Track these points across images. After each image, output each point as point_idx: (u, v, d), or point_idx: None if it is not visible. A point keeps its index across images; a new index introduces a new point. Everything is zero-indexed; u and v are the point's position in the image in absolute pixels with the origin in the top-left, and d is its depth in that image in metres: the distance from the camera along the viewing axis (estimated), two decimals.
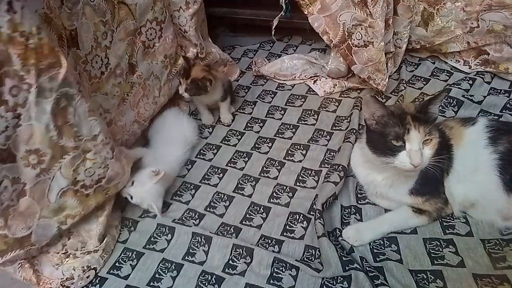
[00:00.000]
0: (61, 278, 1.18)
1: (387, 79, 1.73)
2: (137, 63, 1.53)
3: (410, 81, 1.84)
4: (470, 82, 1.76)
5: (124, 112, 1.50)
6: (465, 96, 1.68)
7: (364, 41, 1.65)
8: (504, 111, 1.60)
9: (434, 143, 1.09)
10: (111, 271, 1.22)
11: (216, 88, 1.67)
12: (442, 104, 1.63)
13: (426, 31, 1.83)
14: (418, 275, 1.11)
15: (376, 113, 1.13)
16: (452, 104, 1.65)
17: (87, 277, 1.19)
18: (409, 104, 1.19)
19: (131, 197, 1.33)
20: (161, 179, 1.34)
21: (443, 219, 1.25)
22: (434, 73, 1.87)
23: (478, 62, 1.81)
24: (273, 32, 1.86)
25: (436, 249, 1.18)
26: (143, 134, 1.63)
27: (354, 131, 1.54)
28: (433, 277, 1.10)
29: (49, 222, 1.13)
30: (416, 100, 1.72)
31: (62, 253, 1.21)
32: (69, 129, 1.10)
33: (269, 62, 2.07)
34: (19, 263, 1.17)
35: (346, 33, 1.65)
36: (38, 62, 0.99)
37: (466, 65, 1.85)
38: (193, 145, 1.64)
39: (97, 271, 1.21)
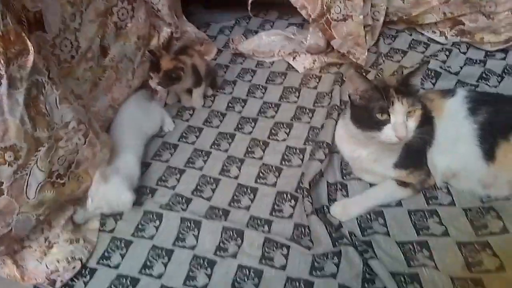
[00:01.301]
0: (46, 272, 1.15)
1: (366, 53, 1.73)
2: (109, 45, 1.46)
3: (388, 54, 1.84)
4: (447, 53, 1.78)
5: (98, 98, 1.45)
6: (443, 67, 1.70)
7: (343, 14, 1.63)
8: (480, 80, 1.63)
9: (417, 115, 1.10)
10: (101, 261, 1.20)
11: (186, 76, 1.59)
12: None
13: (403, 2, 1.83)
14: (405, 246, 1.15)
15: (360, 88, 1.13)
16: (430, 76, 1.66)
17: (73, 268, 1.16)
18: (390, 78, 1.20)
19: (91, 200, 1.24)
20: (119, 173, 1.27)
21: (426, 191, 1.28)
22: (412, 45, 1.88)
23: (454, 33, 1.83)
24: (249, 8, 1.82)
25: (421, 220, 1.21)
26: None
27: (336, 107, 1.54)
28: (419, 248, 1.14)
29: (28, 216, 1.10)
30: (395, 73, 1.73)
31: (45, 246, 1.18)
32: (42, 119, 1.05)
33: (247, 39, 2.03)
34: (1, 260, 1.14)
35: (325, 7, 1.62)
36: (6, 50, 0.94)
37: (442, 36, 1.86)
38: (159, 133, 1.60)
39: (83, 261, 1.19)
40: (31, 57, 0.99)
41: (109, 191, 1.23)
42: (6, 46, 0.94)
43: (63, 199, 1.19)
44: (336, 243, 1.14)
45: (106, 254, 1.21)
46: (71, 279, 1.15)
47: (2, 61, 0.93)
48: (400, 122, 1.07)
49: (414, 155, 1.22)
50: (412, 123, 1.09)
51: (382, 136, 1.09)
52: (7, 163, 1.00)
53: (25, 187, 1.05)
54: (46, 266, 1.16)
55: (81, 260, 1.18)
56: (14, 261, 1.14)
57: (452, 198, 1.25)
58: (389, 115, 1.07)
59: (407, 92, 1.09)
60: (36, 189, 1.08)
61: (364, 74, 1.72)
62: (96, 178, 1.24)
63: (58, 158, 1.12)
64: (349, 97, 1.19)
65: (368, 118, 1.11)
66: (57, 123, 1.10)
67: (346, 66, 1.81)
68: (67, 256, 1.17)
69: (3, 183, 1.01)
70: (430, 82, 1.66)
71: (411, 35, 1.93)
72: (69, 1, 1.24)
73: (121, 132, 1.43)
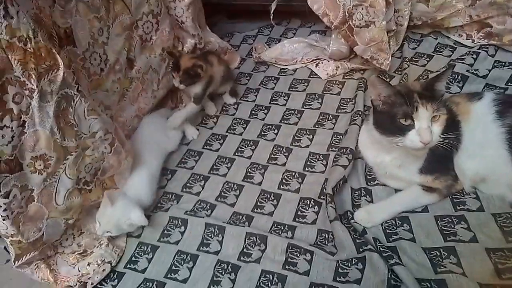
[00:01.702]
0: (78, 275, 1.19)
1: (390, 58, 1.72)
2: (135, 58, 1.52)
3: (413, 58, 1.82)
4: (474, 56, 1.73)
5: (125, 108, 1.51)
6: (470, 71, 1.66)
7: (365, 21, 1.63)
8: (509, 84, 1.58)
9: (442, 120, 1.09)
10: (128, 266, 1.24)
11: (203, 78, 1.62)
12: (447, 80, 1.62)
13: (427, 6, 1.80)
14: (432, 252, 1.12)
15: (383, 93, 1.13)
16: (457, 80, 1.63)
17: (103, 270, 1.20)
18: (414, 83, 1.19)
19: (99, 224, 1.24)
20: (126, 194, 1.29)
21: (453, 196, 1.25)
22: (437, 49, 1.84)
23: (481, 36, 1.78)
24: (271, 17, 1.84)
25: (448, 226, 1.18)
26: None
27: (360, 113, 1.54)
28: (446, 254, 1.11)
29: (57, 220, 1.16)
30: (420, 77, 1.70)
31: (78, 253, 1.23)
32: (70, 130, 1.10)
33: (269, 47, 2.05)
34: (35, 264, 1.19)
35: (347, 14, 1.63)
36: (37, 66, 0.99)
37: (469, 39, 1.82)
38: (174, 152, 1.60)
39: (112, 265, 1.23)
40: (61, 72, 1.04)
41: (116, 213, 1.23)
42: (38, 62, 0.99)
43: (88, 204, 1.24)
44: (360, 249, 1.13)
45: (133, 258, 1.25)
46: (100, 283, 1.19)
47: (34, 76, 0.99)
48: (425, 127, 1.05)
49: (440, 160, 1.20)
50: (437, 128, 1.08)
51: (406, 141, 1.08)
52: (38, 171, 1.06)
53: (54, 193, 1.11)
54: (78, 269, 1.21)
55: (110, 263, 1.22)
56: (47, 265, 1.20)
57: (481, 203, 1.22)
58: (413, 121, 1.06)
59: (431, 97, 1.08)
60: (65, 195, 1.13)
61: (387, 79, 1.71)
62: (103, 201, 1.26)
63: (85, 166, 1.18)
64: (372, 102, 1.19)
65: (391, 123, 1.10)
66: (84, 133, 1.15)
67: (369, 71, 1.80)
68: (97, 259, 1.21)
69: (33, 190, 1.06)
70: (457, 86, 1.62)
71: (436, 39, 1.90)
72: (96, 16, 1.30)
73: (137, 149, 1.43)
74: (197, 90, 1.62)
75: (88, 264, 1.20)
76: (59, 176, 1.11)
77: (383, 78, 1.17)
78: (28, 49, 0.97)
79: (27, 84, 0.98)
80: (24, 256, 1.13)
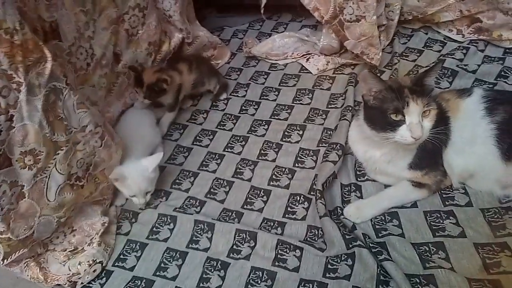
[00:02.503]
0: (68, 274, 1.17)
1: (380, 53, 1.71)
2: (122, 52, 1.50)
3: (404, 53, 1.82)
4: (464, 51, 1.75)
5: (112, 103, 1.49)
6: (460, 66, 1.67)
7: (356, 15, 1.62)
8: (498, 79, 1.59)
9: (432, 115, 1.09)
10: (116, 264, 1.22)
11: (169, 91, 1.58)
12: (437, 75, 1.62)
13: (418, 1, 1.80)
14: (421, 248, 1.13)
15: (374, 89, 1.12)
16: (447, 75, 1.64)
17: (94, 271, 1.19)
18: (404, 78, 1.18)
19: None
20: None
21: (442, 191, 1.26)
22: (428, 44, 1.85)
23: (471, 31, 1.79)
24: (262, 11, 1.82)
25: (437, 221, 1.19)
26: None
27: (350, 108, 1.53)
28: (435, 249, 1.12)
29: (49, 218, 1.13)
30: (411, 72, 1.71)
31: (69, 251, 1.21)
32: (60, 124, 1.08)
33: (260, 42, 2.04)
34: (25, 263, 1.17)
35: (337, 9, 1.62)
36: (24, 59, 0.97)
37: (459, 34, 1.83)
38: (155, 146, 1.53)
39: (104, 265, 1.21)
40: (48, 65, 1.02)
41: (138, 173, 1.28)
42: (25, 55, 0.97)
43: (81, 201, 1.22)
44: (350, 245, 1.13)
45: (122, 256, 1.24)
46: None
47: (21, 70, 0.97)
48: (416, 122, 1.05)
49: (429, 155, 1.20)
50: (428, 123, 1.08)
51: (397, 137, 1.08)
52: (27, 166, 1.03)
53: (45, 189, 1.09)
54: (69, 268, 1.18)
55: (101, 263, 1.20)
56: (37, 263, 1.17)
57: (469, 198, 1.22)
58: (404, 116, 1.06)
59: (421, 92, 1.08)
60: (56, 191, 1.11)
61: (377, 74, 1.71)
62: (118, 183, 1.29)
63: (77, 161, 1.16)
64: (363, 97, 1.18)
65: (382, 119, 1.10)
66: (75, 127, 1.13)
67: (360, 66, 1.80)
68: (89, 259, 1.19)
69: (24, 186, 1.04)
70: (447, 81, 1.63)
71: (427, 33, 1.90)
72: (82, 10, 1.27)
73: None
74: (168, 100, 1.61)
75: (79, 264, 1.18)
76: (49, 172, 1.08)
77: (375, 72, 1.16)
78: (15, 42, 0.94)
79: (14, 78, 0.96)
80: (14, 254, 1.10)
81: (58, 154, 1.09)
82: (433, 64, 1.61)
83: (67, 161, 1.12)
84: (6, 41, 0.93)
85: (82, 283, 1.17)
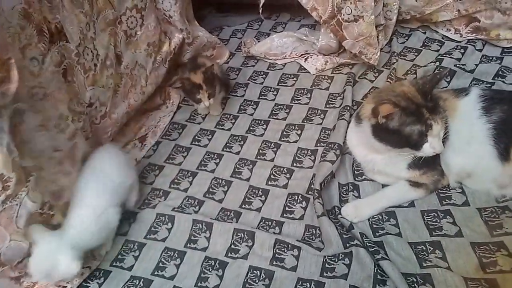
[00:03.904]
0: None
1: (378, 53, 1.71)
2: (122, 53, 1.49)
3: (402, 53, 1.82)
4: (462, 50, 1.74)
5: (118, 104, 1.48)
6: (457, 65, 1.67)
7: (354, 15, 1.62)
8: (496, 78, 1.59)
9: (445, 125, 1.12)
10: (114, 264, 1.22)
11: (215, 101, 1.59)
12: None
13: (416, 0, 1.80)
14: (418, 247, 1.13)
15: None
16: (445, 75, 1.63)
17: (82, 274, 1.17)
18: (409, 88, 1.15)
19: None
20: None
21: (439, 191, 1.26)
22: (426, 43, 1.85)
23: (469, 30, 1.79)
24: (260, 11, 1.83)
25: (434, 220, 1.19)
26: None
27: (348, 108, 1.54)
28: (432, 248, 1.12)
29: (20, 244, 1.05)
30: (409, 72, 1.71)
31: None
32: (25, 147, 1.03)
33: (259, 41, 2.04)
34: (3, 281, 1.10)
35: (336, 8, 1.62)
36: None
37: (457, 34, 1.83)
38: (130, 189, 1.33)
39: (92, 268, 1.20)
40: (13, 85, 0.96)
41: (41, 256, 1.04)
42: None
43: (50, 228, 1.11)
44: (347, 244, 1.14)
45: (119, 256, 1.24)
46: (86, 281, 1.18)
47: None
48: (438, 139, 1.09)
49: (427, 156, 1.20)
50: (442, 133, 1.11)
51: (419, 153, 1.12)
52: None
53: (15, 216, 1.01)
54: None
55: (89, 267, 1.19)
56: (17, 280, 1.11)
57: (467, 198, 1.23)
58: (427, 135, 1.09)
59: (436, 107, 1.11)
60: (26, 219, 1.03)
61: (375, 74, 1.72)
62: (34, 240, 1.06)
63: (44, 187, 1.09)
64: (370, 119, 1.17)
65: (401, 140, 1.12)
66: (36, 150, 1.08)
67: (358, 66, 1.80)
68: None
69: None
70: (445, 80, 1.63)
71: (425, 33, 1.90)
72: (81, 11, 1.27)
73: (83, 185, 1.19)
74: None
75: None
76: (21, 200, 1.00)
77: (394, 102, 1.11)
78: None
79: None
80: None
81: (29, 181, 1.02)
82: (432, 63, 1.63)
83: (39, 188, 1.05)
84: None
85: (71, 287, 1.16)
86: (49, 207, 1.10)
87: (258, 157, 1.51)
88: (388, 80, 1.64)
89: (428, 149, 1.10)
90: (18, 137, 1.02)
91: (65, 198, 1.17)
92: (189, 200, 1.38)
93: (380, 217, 1.23)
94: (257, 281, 1.12)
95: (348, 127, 1.43)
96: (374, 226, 1.21)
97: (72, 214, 1.13)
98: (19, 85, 0.98)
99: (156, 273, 1.19)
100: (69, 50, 1.22)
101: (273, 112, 1.69)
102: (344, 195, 1.31)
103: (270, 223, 1.28)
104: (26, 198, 1.01)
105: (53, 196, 1.13)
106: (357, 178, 1.36)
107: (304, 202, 1.32)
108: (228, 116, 1.70)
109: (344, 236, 1.15)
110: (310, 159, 1.46)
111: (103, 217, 1.16)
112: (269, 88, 1.81)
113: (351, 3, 1.61)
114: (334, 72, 1.83)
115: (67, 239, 1.07)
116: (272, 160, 1.49)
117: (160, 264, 1.20)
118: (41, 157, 1.10)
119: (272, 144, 1.54)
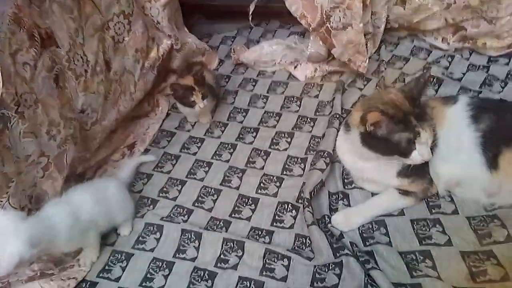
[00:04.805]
0: None
1: (367, 61, 1.72)
2: (110, 59, 1.48)
3: (390, 61, 1.84)
4: (449, 59, 1.77)
5: (108, 111, 1.47)
6: (445, 74, 1.69)
7: (342, 23, 1.63)
8: (483, 87, 1.61)
9: (433, 132, 1.11)
10: (101, 275, 1.19)
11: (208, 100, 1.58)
12: None
13: (404, 9, 1.82)
14: (408, 256, 1.13)
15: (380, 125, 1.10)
16: (433, 83, 1.65)
17: (68, 285, 1.14)
18: (397, 96, 1.15)
19: None
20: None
21: (429, 199, 1.26)
22: (414, 52, 1.86)
23: (456, 39, 1.81)
24: (250, 18, 1.83)
25: (424, 229, 1.19)
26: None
27: (338, 116, 1.54)
28: (422, 257, 1.12)
29: None
30: (397, 80, 1.72)
31: (36, 276, 1.14)
32: (7, 153, 1.04)
33: (248, 49, 2.04)
34: None
35: (324, 16, 1.62)
36: None
37: (444, 42, 1.85)
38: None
39: (78, 280, 1.17)
40: None
41: None
42: None
43: None
44: (338, 253, 1.13)
45: (106, 267, 1.21)
46: None
47: None
48: (426, 147, 1.09)
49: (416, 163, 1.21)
50: (430, 140, 1.11)
51: (407, 161, 1.12)
52: None
53: None
54: (40, 285, 1.13)
55: (75, 278, 1.16)
56: None
57: (456, 206, 1.23)
58: (415, 143, 1.08)
59: (424, 114, 1.11)
60: None
61: (364, 82, 1.72)
62: None
63: (20, 192, 1.08)
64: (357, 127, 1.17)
65: (389, 147, 1.11)
66: (19, 156, 1.08)
67: (347, 74, 1.81)
68: (61, 275, 1.15)
69: None
70: (433, 89, 1.64)
71: (413, 41, 1.92)
72: (70, 17, 1.26)
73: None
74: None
75: (51, 280, 1.13)
76: (2, 205, 1.01)
77: (379, 111, 1.10)
78: None
79: None
80: None
81: (10, 187, 1.03)
82: (420, 71, 1.64)
83: (17, 194, 1.06)
84: None
85: None
86: (27, 211, 1.09)
87: (248, 165, 1.50)
88: (377, 88, 1.65)
89: (416, 156, 1.10)
90: (1, 143, 1.01)
91: (46, 200, 1.16)
92: (178, 209, 1.36)
93: (370, 226, 1.22)
94: None
95: (337, 135, 1.43)
96: (364, 235, 1.20)
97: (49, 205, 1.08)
98: (5, 91, 0.98)
99: (144, 284, 1.16)
100: (59, 55, 1.21)
101: (263, 119, 1.68)
102: (334, 204, 1.31)
103: (260, 233, 1.27)
104: (6, 205, 1.01)
105: (34, 199, 1.13)
106: (347, 186, 1.35)
107: (294, 211, 1.31)
108: (218, 124, 1.69)
109: (334, 245, 1.15)
110: (300, 167, 1.45)
111: (80, 218, 1.10)
112: (259, 96, 1.81)
113: (339, 11, 1.61)
114: (324, 80, 1.83)
115: (31, 224, 0.95)
116: (262, 168, 1.48)
117: (148, 275, 1.18)
118: (23, 162, 1.09)
119: (262, 152, 1.54)
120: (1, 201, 1.01)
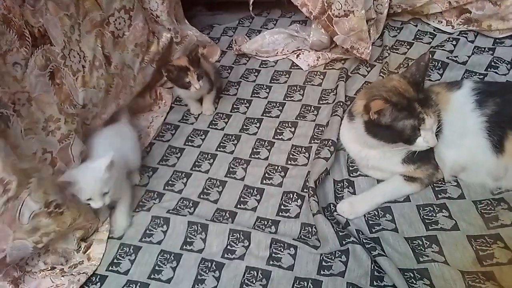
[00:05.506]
0: (52, 286, 1.15)
1: (370, 47, 1.71)
2: (110, 54, 1.47)
3: (394, 46, 1.81)
4: (454, 42, 1.74)
5: (108, 105, 1.47)
6: (450, 57, 1.66)
7: (344, 10, 1.61)
8: (488, 69, 1.59)
9: (438, 118, 1.11)
10: (110, 268, 1.21)
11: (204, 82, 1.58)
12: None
13: None
14: (414, 242, 1.13)
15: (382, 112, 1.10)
16: (437, 67, 1.63)
17: (78, 280, 1.16)
18: (400, 82, 1.14)
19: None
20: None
21: (434, 185, 1.26)
22: (417, 36, 1.84)
23: (460, 22, 1.79)
24: (251, 8, 1.81)
25: (430, 214, 1.19)
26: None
27: (341, 104, 1.53)
28: (428, 243, 1.12)
29: (24, 242, 1.08)
30: (401, 65, 1.70)
31: (47, 270, 1.18)
32: (16, 152, 1.04)
33: (250, 39, 2.03)
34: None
35: (326, 4, 1.61)
36: None
37: (449, 25, 1.82)
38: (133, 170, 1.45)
39: (88, 274, 1.19)
40: None
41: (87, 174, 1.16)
42: None
43: (65, 227, 1.16)
44: (344, 241, 1.13)
45: (115, 260, 1.23)
46: (82, 286, 1.16)
47: None
48: (431, 133, 1.09)
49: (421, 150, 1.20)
50: (435, 126, 1.10)
51: (413, 148, 1.12)
52: None
53: (17, 215, 1.04)
54: (51, 280, 1.16)
55: (86, 273, 1.18)
56: (15, 285, 1.13)
57: (462, 191, 1.23)
58: (420, 129, 1.08)
59: (428, 99, 1.10)
60: (30, 216, 1.06)
61: (367, 68, 1.71)
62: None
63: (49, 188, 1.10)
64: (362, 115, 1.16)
65: (394, 135, 1.11)
66: (27, 154, 1.09)
67: (350, 61, 1.79)
68: (72, 271, 1.17)
69: None
70: (437, 73, 1.62)
71: (416, 26, 1.89)
72: (66, 14, 1.25)
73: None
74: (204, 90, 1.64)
75: (63, 276, 1.16)
76: (22, 200, 1.03)
77: (385, 98, 1.09)
78: None
79: None
80: None
81: (31, 182, 1.04)
82: (421, 59, 1.62)
83: (42, 189, 1.07)
84: None
85: None
86: (56, 206, 1.11)
87: (252, 156, 1.50)
88: (381, 74, 1.63)
89: (421, 143, 1.10)
90: (8, 143, 1.02)
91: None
92: (184, 201, 1.37)
93: (376, 213, 1.22)
94: (254, 282, 1.12)
95: (341, 123, 1.43)
96: (370, 222, 1.20)
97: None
98: (1, 90, 0.99)
99: (152, 276, 1.18)
100: (54, 53, 1.21)
101: (266, 110, 1.68)
102: (339, 192, 1.31)
103: (265, 223, 1.27)
104: (28, 199, 1.04)
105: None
106: (352, 174, 1.35)
107: (299, 200, 1.31)
108: (221, 116, 1.69)
109: (340, 233, 1.15)
110: (305, 157, 1.45)
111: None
112: (262, 86, 1.80)
113: None
114: (327, 67, 1.82)
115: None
116: (266, 158, 1.48)
117: (157, 268, 1.19)
118: (33, 159, 1.11)
119: (266, 143, 1.54)
120: (21, 196, 1.03)
